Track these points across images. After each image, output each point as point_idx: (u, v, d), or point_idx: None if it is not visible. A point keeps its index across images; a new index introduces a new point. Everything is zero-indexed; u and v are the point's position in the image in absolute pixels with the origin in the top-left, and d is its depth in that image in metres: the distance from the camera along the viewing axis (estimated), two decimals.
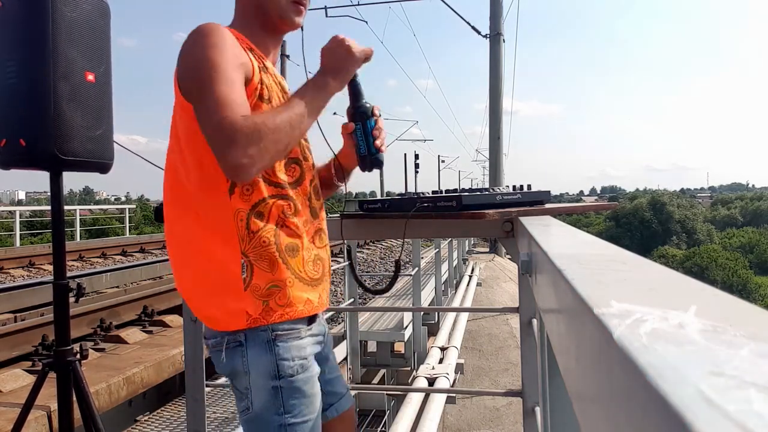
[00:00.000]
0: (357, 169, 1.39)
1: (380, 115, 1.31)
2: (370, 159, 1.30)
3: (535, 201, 1.67)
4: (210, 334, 1.19)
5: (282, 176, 1.18)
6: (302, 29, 1.31)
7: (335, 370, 1.42)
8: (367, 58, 1.24)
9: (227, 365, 1.17)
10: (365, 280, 8.03)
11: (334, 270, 8.15)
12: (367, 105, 1.29)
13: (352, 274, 1.49)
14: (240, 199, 1.14)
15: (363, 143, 1.30)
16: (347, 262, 1.59)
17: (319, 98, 1.15)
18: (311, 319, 1.21)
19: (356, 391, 4.45)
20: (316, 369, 1.20)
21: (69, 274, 1.95)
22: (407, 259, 8.31)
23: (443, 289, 8.02)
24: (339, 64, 1.19)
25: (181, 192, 1.18)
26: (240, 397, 1.17)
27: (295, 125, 1.09)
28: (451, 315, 6.99)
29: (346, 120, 1.32)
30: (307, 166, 1.26)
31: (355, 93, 1.27)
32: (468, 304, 8.43)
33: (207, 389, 1.86)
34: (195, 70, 1.09)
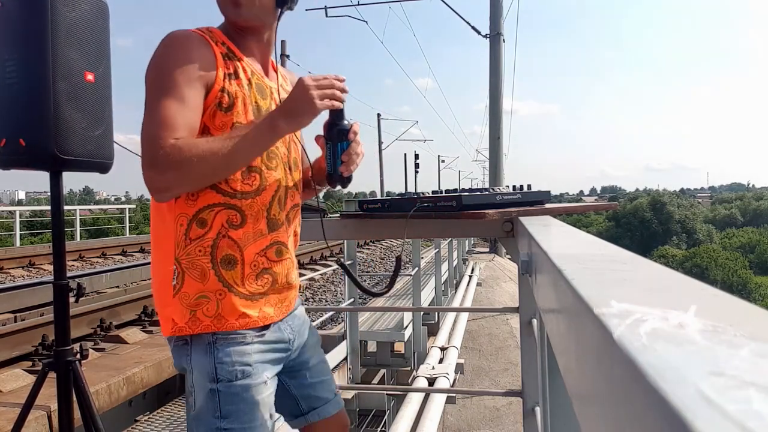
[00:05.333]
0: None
1: (357, 137, 1.25)
2: (333, 178, 1.28)
3: (535, 201, 1.67)
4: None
5: (234, 185, 1.16)
6: (279, 17, 1.24)
7: (320, 374, 1.39)
8: (334, 108, 1.18)
9: (177, 363, 1.19)
10: (364, 280, 8.03)
11: (334, 270, 8.16)
12: (346, 123, 1.24)
13: (350, 279, 1.51)
14: (184, 203, 1.15)
15: (330, 162, 1.27)
16: (343, 268, 1.62)
17: (265, 138, 1.12)
18: (264, 327, 1.20)
19: (356, 391, 4.45)
20: (264, 376, 1.17)
21: (69, 274, 1.95)
22: (407, 259, 8.31)
23: (443, 289, 8.02)
24: (296, 109, 1.12)
25: None
26: (188, 395, 1.18)
27: (227, 160, 1.08)
28: (451, 315, 6.99)
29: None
30: (272, 176, 1.21)
31: (334, 111, 1.21)
32: (468, 304, 8.42)
33: None
34: (151, 80, 1.11)
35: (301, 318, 1.37)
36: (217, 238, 1.15)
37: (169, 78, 1.09)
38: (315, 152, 1.35)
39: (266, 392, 1.17)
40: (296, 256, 1.36)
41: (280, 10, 1.24)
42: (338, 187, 1.33)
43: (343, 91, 1.17)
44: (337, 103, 1.17)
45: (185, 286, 1.14)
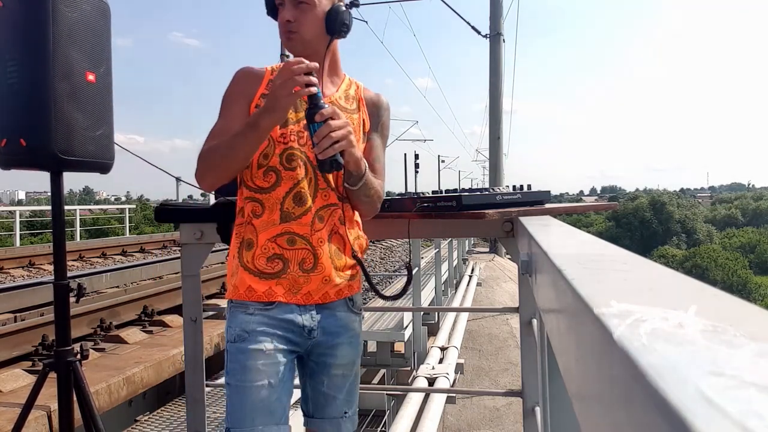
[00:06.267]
0: (367, 174, 1.39)
1: (324, 119, 1.25)
2: (317, 161, 1.29)
3: (535, 201, 1.67)
4: None
5: (257, 182, 1.37)
6: (328, 46, 1.39)
7: (336, 390, 1.42)
8: (300, 96, 1.24)
9: None
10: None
11: None
12: (316, 106, 1.25)
13: (367, 282, 1.55)
14: (240, 198, 1.41)
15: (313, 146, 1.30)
16: (361, 266, 1.65)
17: (250, 134, 1.27)
18: (269, 303, 1.34)
19: None
20: (263, 345, 1.31)
21: (69, 274, 1.95)
22: (407, 259, 8.30)
23: (443, 289, 8.01)
24: (267, 107, 1.25)
25: None
26: None
27: (228, 153, 1.29)
28: (451, 315, 6.99)
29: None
30: (289, 175, 1.35)
31: (309, 97, 1.25)
32: (468, 304, 8.42)
33: (207, 389, 1.86)
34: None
35: (340, 322, 1.41)
36: (244, 225, 1.38)
37: (223, 103, 1.39)
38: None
39: (263, 360, 1.30)
40: None
41: (330, 37, 1.37)
42: (324, 173, 1.33)
43: (309, 73, 1.22)
44: (303, 91, 1.22)
45: (230, 262, 1.40)
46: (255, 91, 1.38)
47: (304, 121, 1.35)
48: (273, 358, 1.31)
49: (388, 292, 1.63)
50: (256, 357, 1.30)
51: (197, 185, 1.39)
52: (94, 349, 4.12)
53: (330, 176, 1.38)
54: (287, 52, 1.43)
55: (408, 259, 1.56)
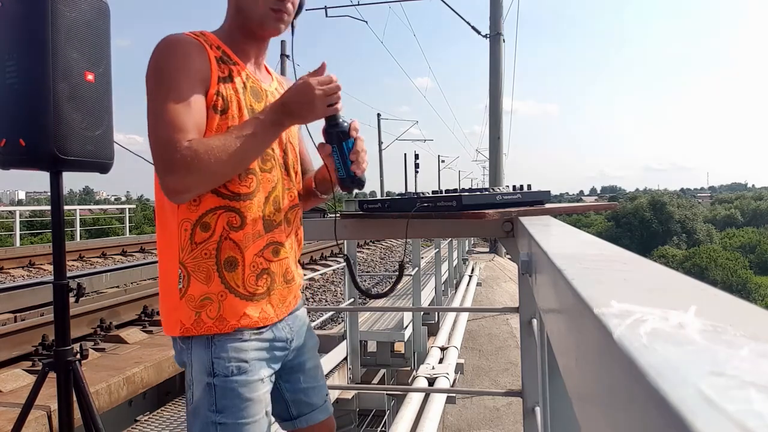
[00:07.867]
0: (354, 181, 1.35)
1: (358, 133, 1.23)
2: (349, 181, 1.24)
3: (535, 201, 1.66)
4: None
5: (232, 187, 1.17)
6: (293, 30, 1.28)
7: (313, 379, 1.40)
8: (336, 112, 1.19)
9: (177, 357, 1.23)
10: (364, 280, 8.01)
11: (333, 270, 8.16)
12: (345, 123, 1.21)
13: (352, 282, 1.50)
14: (187, 209, 1.17)
15: (341, 166, 1.23)
16: (348, 266, 1.62)
17: (271, 134, 1.15)
18: (263, 326, 1.22)
19: (356, 391, 4.45)
20: (260, 374, 1.19)
21: (69, 274, 1.95)
22: (407, 259, 8.30)
23: (443, 289, 8.02)
24: (298, 111, 1.15)
25: (157, 201, 1.22)
26: (187, 388, 1.20)
27: (239, 157, 1.10)
28: (451, 315, 6.99)
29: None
30: (266, 178, 1.22)
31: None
32: (468, 304, 8.43)
33: None
34: (153, 84, 1.11)
35: (301, 319, 1.38)
36: (220, 240, 1.17)
37: (171, 80, 1.10)
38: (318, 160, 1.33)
39: (262, 390, 1.19)
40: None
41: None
42: (354, 191, 1.28)
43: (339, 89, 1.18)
44: (339, 107, 1.18)
45: (191, 289, 1.16)
46: (209, 74, 1.15)
47: None
48: (269, 383, 1.22)
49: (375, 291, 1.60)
50: (258, 388, 1.18)
51: (174, 197, 1.11)
52: (94, 349, 4.12)
53: (292, 172, 1.30)
54: (288, 52, 1.38)
55: (402, 260, 1.55)
